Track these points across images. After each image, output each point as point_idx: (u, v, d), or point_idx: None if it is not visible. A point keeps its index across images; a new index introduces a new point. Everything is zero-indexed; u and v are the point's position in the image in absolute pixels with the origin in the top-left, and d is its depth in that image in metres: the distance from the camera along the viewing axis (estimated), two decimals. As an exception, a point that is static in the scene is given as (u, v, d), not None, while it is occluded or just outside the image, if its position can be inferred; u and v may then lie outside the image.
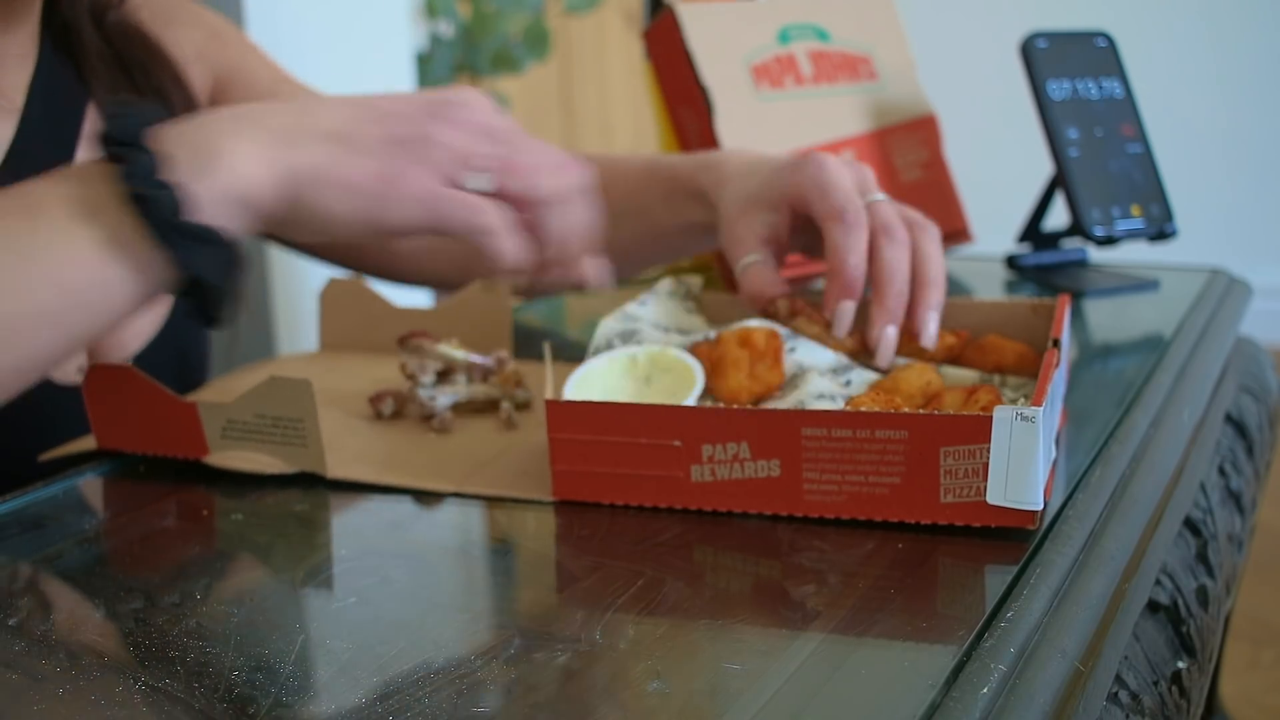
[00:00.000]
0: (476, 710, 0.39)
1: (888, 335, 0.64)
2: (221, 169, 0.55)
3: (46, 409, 0.77)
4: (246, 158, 0.55)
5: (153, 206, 0.53)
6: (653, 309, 0.70)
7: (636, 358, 0.62)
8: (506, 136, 0.60)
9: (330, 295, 0.83)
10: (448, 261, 0.91)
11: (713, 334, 0.67)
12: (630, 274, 0.90)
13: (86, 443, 0.66)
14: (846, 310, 0.66)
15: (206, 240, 0.54)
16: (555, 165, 0.61)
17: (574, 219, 0.61)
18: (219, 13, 0.94)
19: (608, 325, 0.66)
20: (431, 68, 2.19)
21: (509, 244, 0.59)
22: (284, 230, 0.58)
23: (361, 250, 0.94)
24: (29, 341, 0.53)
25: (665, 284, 0.72)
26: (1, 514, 0.58)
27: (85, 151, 0.81)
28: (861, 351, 0.65)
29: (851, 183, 0.69)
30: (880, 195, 0.70)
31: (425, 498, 0.58)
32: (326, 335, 0.84)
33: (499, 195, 0.59)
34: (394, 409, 0.69)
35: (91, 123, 0.82)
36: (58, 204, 0.54)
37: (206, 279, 0.54)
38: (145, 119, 0.55)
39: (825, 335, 0.66)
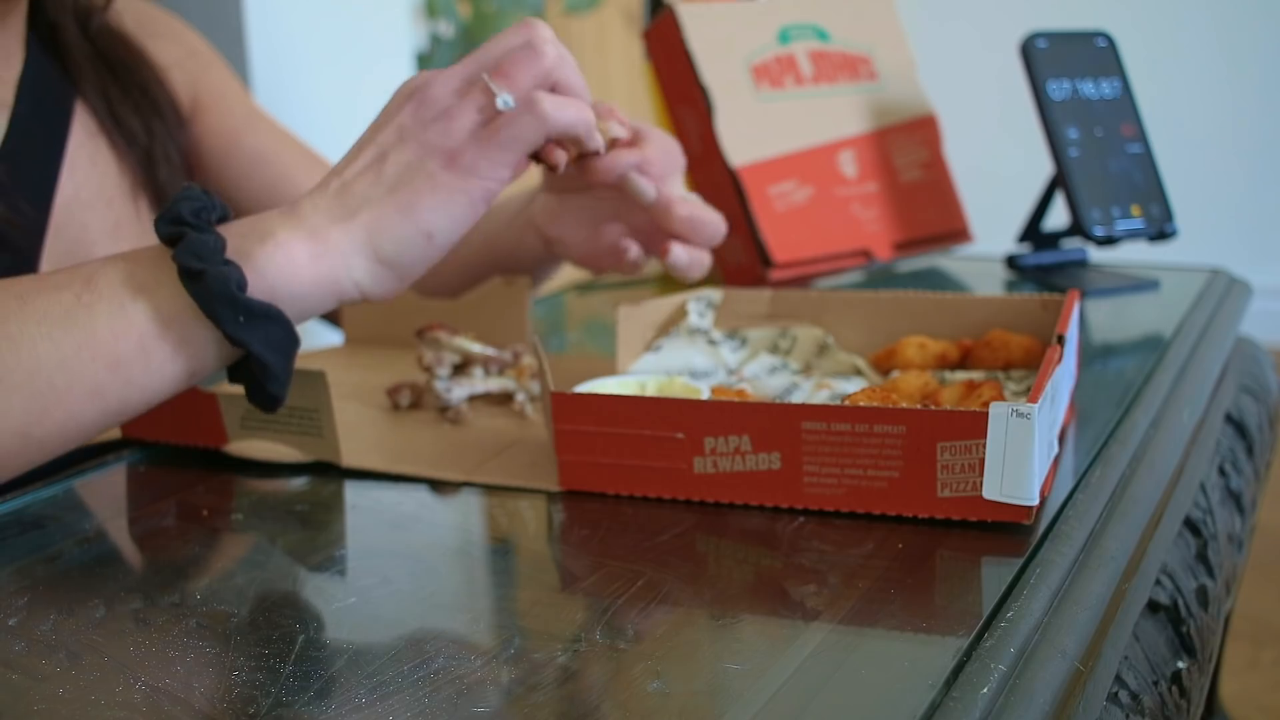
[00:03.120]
0: (476, 710, 0.39)
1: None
2: (278, 253, 0.55)
3: None
4: (302, 243, 0.56)
5: (209, 282, 0.53)
6: (666, 354, 0.70)
7: (645, 384, 0.63)
8: (476, 60, 0.61)
9: None
10: (452, 272, 0.91)
11: (734, 379, 0.67)
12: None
13: (111, 432, 0.67)
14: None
15: (262, 317, 0.54)
16: (524, 43, 0.61)
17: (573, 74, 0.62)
18: (199, 33, 0.95)
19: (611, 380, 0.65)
20: (431, 68, 2.20)
21: (578, 112, 0.61)
22: (402, 282, 0.59)
23: None
24: (76, 414, 0.54)
25: (690, 317, 0.71)
26: (1, 514, 0.58)
27: (75, 148, 0.81)
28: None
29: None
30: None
31: (428, 496, 0.58)
32: (350, 329, 0.85)
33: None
34: (411, 401, 0.70)
35: (80, 119, 0.83)
36: (113, 280, 0.54)
37: (261, 357, 0.54)
38: (204, 206, 0.55)
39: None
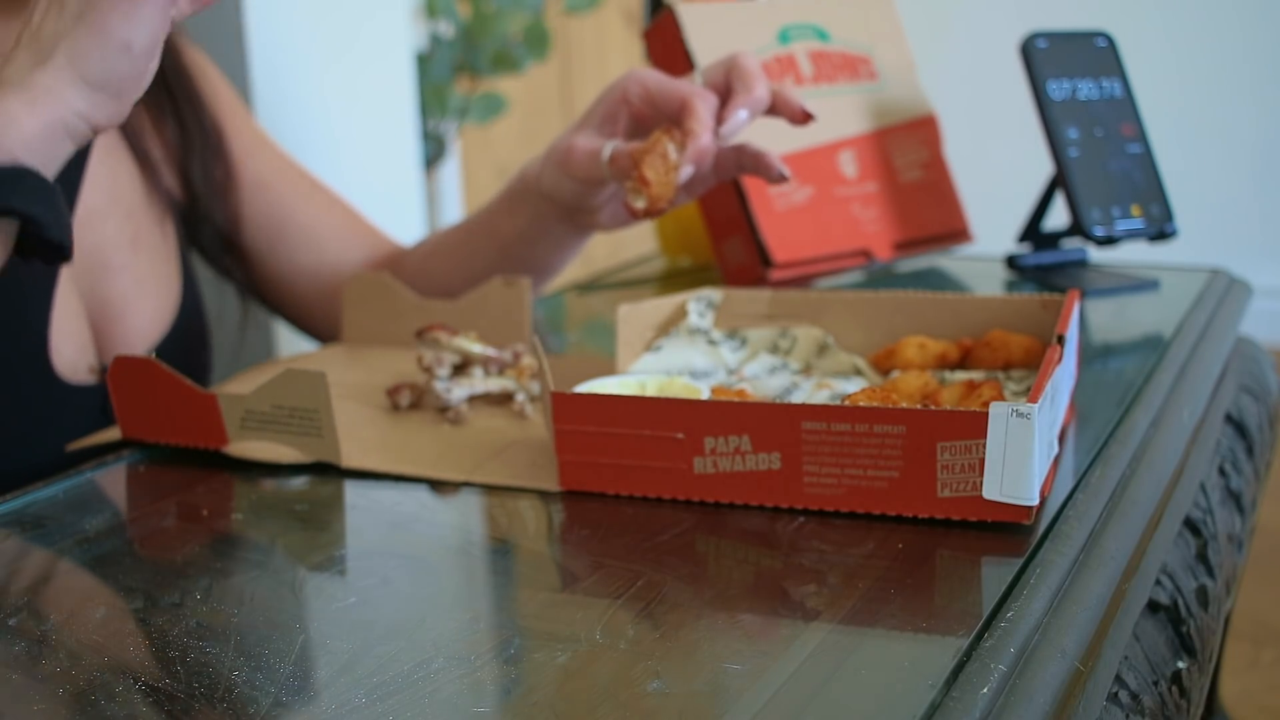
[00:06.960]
0: (476, 710, 0.39)
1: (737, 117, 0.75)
2: None
3: (57, 406, 0.78)
4: (13, 99, 0.58)
5: None
6: (666, 354, 0.70)
7: (645, 384, 0.63)
8: None
9: (353, 289, 0.84)
10: (463, 278, 0.91)
11: (734, 379, 0.67)
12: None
13: (111, 433, 0.67)
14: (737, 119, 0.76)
15: (12, 178, 0.57)
16: None
17: None
18: (203, 50, 0.95)
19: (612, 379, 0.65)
20: (431, 68, 2.19)
21: None
22: (121, 101, 0.61)
23: (314, 304, 0.96)
24: None
25: (690, 317, 0.71)
26: (1, 514, 0.58)
27: (96, 162, 0.82)
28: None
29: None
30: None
31: (428, 496, 0.58)
32: (349, 329, 0.85)
33: None
34: (411, 401, 0.70)
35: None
36: None
37: (26, 211, 0.57)
38: None
39: (665, 174, 0.72)
